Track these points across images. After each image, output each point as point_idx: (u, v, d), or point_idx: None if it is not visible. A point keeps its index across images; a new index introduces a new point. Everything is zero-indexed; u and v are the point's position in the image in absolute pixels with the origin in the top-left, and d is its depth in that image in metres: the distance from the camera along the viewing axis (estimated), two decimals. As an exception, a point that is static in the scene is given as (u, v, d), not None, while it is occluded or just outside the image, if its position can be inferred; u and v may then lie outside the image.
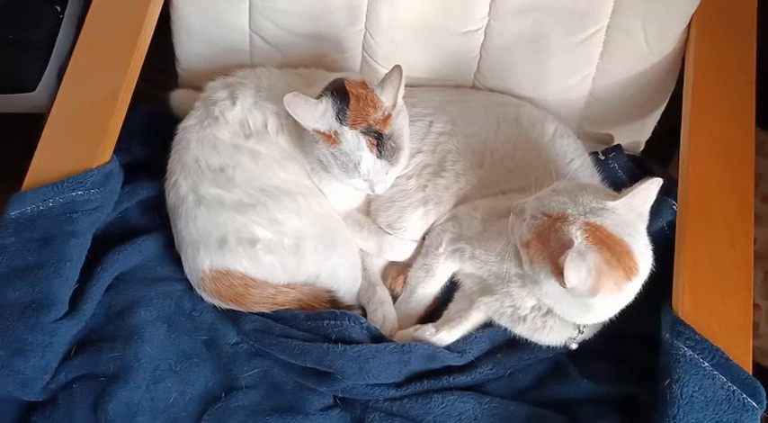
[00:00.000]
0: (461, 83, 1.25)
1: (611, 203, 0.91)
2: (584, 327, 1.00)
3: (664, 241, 1.01)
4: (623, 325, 1.01)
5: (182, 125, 1.14)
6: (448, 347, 1.04)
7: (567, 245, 0.87)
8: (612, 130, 1.26)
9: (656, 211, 1.07)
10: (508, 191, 1.08)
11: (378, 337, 1.05)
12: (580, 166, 1.11)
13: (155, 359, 1.00)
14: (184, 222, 1.08)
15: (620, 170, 1.19)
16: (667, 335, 0.93)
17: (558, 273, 0.86)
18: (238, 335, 1.07)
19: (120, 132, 1.18)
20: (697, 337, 0.90)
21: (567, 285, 0.85)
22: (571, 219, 0.89)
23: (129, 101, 1.10)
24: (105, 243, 1.08)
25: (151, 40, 1.14)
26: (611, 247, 0.89)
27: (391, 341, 1.04)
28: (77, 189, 1.01)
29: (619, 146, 1.21)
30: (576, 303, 0.92)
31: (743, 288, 0.96)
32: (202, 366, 1.03)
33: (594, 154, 1.19)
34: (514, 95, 1.21)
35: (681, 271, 0.97)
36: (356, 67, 1.25)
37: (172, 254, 1.11)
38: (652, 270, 0.94)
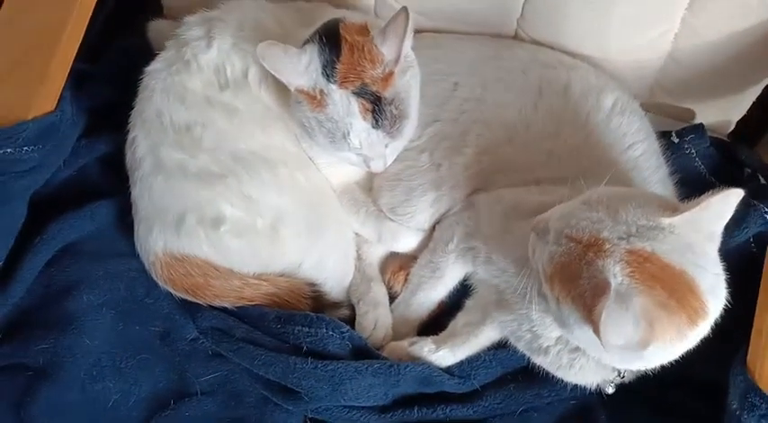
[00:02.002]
0: (500, 32, 1.03)
1: (667, 220, 0.68)
2: (626, 370, 0.79)
3: (747, 259, 0.86)
4: (678, 367, 0.78)
5: (147, 69, 0.96)
6: (449, 369, 0.89)
7: (602, 286, 0.63)
8: (695, 104, 1.04)
9: (739, 218, 0.88)
10: (543, 180, 0.88)
11: (361, 351, 0.89)
12: (642, 153, 0.90)
13: (94, 353, 0.89)
14: (139, 191, 0.92)
15: (699, 158, 0.98)
16: (735, 404, 0.74)
17: (593, 322, 0.63)
18: (196, 329, 0.92)
19: (92, 71, 1.07)
20: None
21: (606, 345, 0.62)
22: (608, 246, 0.66)
23: (81, 37, 0.92)
24: (53, 206, 0.95)
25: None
26: (667, 284, 0.66)
27: (377, 358, 0.88)
28: (6, 146, 0.85)
29: (700, 125, 1.00)
30: (620, 351, 0.69)
31: None
32: (152, 364, 0.90)
33: (666, 134, 0.98)
34: (569, 53, 0.99)
35: (765, 319, 0.74)
36: (369, 4, 1.05)
37: (130, 222, 0.96)
38: (727, 301, 0.72)
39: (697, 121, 1.03)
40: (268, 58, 0.83)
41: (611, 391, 0.82)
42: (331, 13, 0.93)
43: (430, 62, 0.94)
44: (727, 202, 0.68)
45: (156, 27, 1.08)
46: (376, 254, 0.99)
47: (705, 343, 0.79)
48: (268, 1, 0.99)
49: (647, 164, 0.89)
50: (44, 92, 0.88)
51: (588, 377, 0.82)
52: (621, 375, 0.80)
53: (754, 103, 1.04)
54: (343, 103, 0.84)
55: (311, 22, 0.91)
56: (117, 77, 1.05)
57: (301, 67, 0.84)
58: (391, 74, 0.83)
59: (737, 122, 1.08)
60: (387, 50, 0.83)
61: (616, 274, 0.65)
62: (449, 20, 1.02)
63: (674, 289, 0.66)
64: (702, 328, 0.70)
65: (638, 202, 0.69)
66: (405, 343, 0.91)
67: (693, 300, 0.67)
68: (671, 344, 0.68)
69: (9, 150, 0.85)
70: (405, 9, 0.81)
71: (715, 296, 0.69)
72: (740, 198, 0.68)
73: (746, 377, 0.73)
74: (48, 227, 0.92)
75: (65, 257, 0.93)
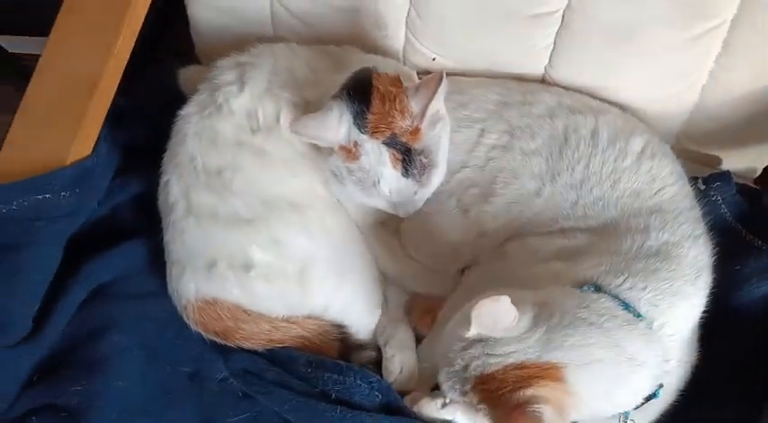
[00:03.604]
0: (528, 78, 1.03)
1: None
2: (628, 419, 0.79)
3: None
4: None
5: (180, 113, 0.97)
6: None
7: None
8: (721, 151, 1.04)
9: (766, 267, 0.88)
10: (568, 230, 0.86)
11: (390, 402, 0.88)
12: (673, 196, 0.87)
13: (125, 394, 0.89)
14: (171, 235, 0.93)
15: (725, 205, 0.96)
16: None
17: None
18: (227, 370, 0.92)
19: (127, 107, 1.06)
20: None
21: None
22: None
23: (117, 85, 0.94)
24: (87, 245, 0.95)
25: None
26: None
27: (404, 411, 0.86)
28: (44, 191, 0.87)
29: (727, 173, 0.98)
30: None
31: None
32: (181, 404, 0.91)
33: (693, 180, 0.95)
34: (596, 99, 0.98)
35: None
36: (398, 48, 1.06)
37: (162, 262, 0.96)
38: (752, 354, 0.75)
39: (723, 167, 1.02)
40: (301, 130, 0.85)
41: None
42: (361, 58, 0.94)
43: (457, 108, 0.94)
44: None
45: (187, 73, 1.09)
46: (402, 296, 0.98)
47: (735, 399, 0.79)
48: (299, 45, 1.00)
49: (679, 205, 0.86)
50: (80, 138, 0.90)
51: None
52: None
53: None
54: (375, 153, 0.84)
55: (342, 67, 0.93)
56: (148, 116, 1.06)
57: (333, 125, 0.85)
58: (418, 129, 0.84)
59: (764, 168, 1.06)
60: (416, 105, 0.83)
61: None
62: (477, 65, 1.02)
63: None
64: None
65: None
66: (427, 398, 0.87)
67: None
68: None
69: (48, 196, 0.86)
70: (441, 73, 0.82)
71: None
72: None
73: None
74: (81, 269, 0.93)
75: (97, 298, 0.93)
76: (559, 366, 0.70)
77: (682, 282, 0.78)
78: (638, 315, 0.75)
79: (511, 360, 0.71)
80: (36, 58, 0.91)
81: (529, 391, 0.69)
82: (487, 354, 0.71)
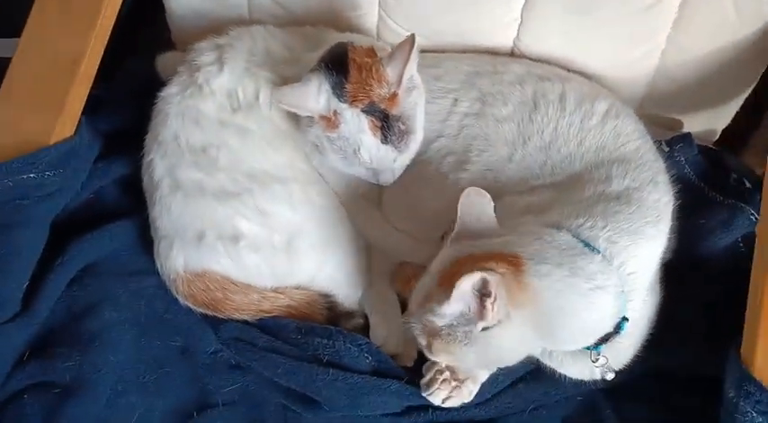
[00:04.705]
0: (498, 51, 1.06)
1: None
2: (599, 354, 0.82)
3: (737, 258, 0.89)
4: (678, 362, 0.86)
5: (161, 94, 0.99)
6: None
7: None
8: (682, 114, 1.08)
9: (727, 220, 0.92)
10: (537, 187, 0.90)
11: (380, 362, 0.91)
12: (636, 148, 0.90)
13: (118, 369, 0.90)
14: (158, 211, 0.94)
15: (688, 165, 1.00)
16: (732, 393, 0.76)
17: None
18: (217, 342, 0.94)
19: (106, 95, 1.08)
20: None
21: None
22: None
23: (98, 64, 0.95)
24: (73, 228, 0.97)
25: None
26: None
27: (395, 370, 0.89)
28: (29, 171, 0.88)
29: (688, 134, 1.02)
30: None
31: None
32: (174, 377, 0.92)
33: (657, 143, 0.98)
34: (563, 68, 1.02)
35: (756, 310, 0.78)
36: (371, 27, 1.08)
37: (148, 242, 0.98)
38: (718, 298, 0.78)
39: (685, 130, 1.06)
40: (283, 99, 0.87)
41: (610, 376, 0.82)
42: (336, 37, 0.96)
43: (431, 80, 0.96)
44: None
45: (164, 59, 1.10)
46: (386, 264, 1.00)
47: (703, 339, 0.83)
48: (275, 27, 1.02)
49: (642, 157, 0.89)
50: (63, 118, 0.90)
51: (573, 369, 0.84)
52: (594, 360, 0.81)
53: (737, 112, 1.07)
54: (354, 121, 0.87)
55: (318, 46, 0.95)
56: (127, 102, 1.07)
57: (313, 94, 0.87)
58: (395, 94, 0.87)
59: (722, 131, 1.11)
60: (391, 72, 0.86)
61: None
62: (449, 40, 1.04)
63: None
64: None
65: None
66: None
67: None
68: None
69: (32, 175, 0.87)
70: (412, 36, 0.85)
71: None
72: None
73: (741, 367, 0.75)
74: (68, 248, 0.93)
75: (85, 277, 0.94)
76: (521, 256, 0.75)
77: (642, 223, 0.81)
78: (597, 251, 0.78)
79: (478, 251, 0.76)
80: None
81: (488, 264, 0.72)
82: (457, 249, 0.77)
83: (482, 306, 0.72)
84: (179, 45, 1.16)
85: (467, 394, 0.87)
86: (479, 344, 0.75)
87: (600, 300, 0.76)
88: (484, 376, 0.89)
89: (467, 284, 0.71)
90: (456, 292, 0.71)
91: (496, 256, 0.75)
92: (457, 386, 0.87)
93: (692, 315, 0.88)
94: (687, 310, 0.87)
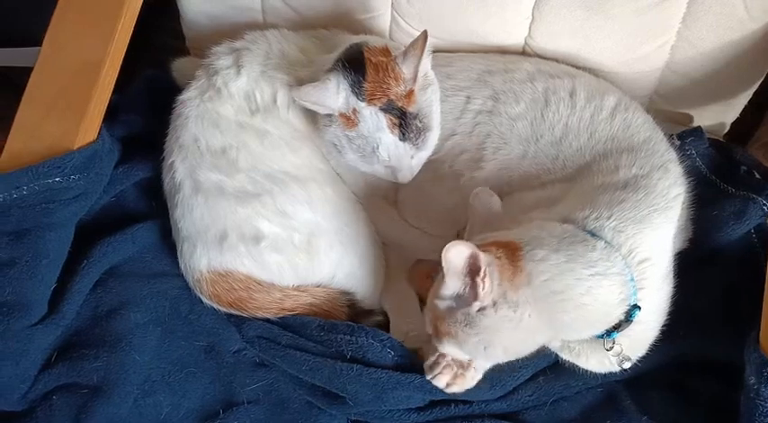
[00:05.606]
0: (510, 50, 1.08)
1: None
2: (614, 343, 0.82)
3: (750, 251, 0.90)
4: (696, 351, 0.86)
5: (180, 98, 1.01)
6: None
7: None
8: (692, 109, 1.09)
9: (740, 211, 0.93)
10: (548, 182, 0.91)
11: (403, 359, 0.91)
12: (645, 139, 0.91)
13: (144, 369, 0.91)
14: (180, 213, 0.96)
15: (699, 158, 1.01)
16: (753, 379, 0.77)
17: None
18: (241, 341, 0.96)
19: (121, 102, 1.09)
20: None
21: None
22: None
23: (118, 69, 0.96)
24: (95, 231, 0.98)
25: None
26: None
27: (417, 369, 0.89)
28: (55, 175, 0.89)
29: (699, 128, 1.03)
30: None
31: None
32: (199, 377, 0.93)
33: (668, 138, 0.99)
34: (573, 66, 1.04)
35: None
36: (384, 28, 1.09)
37: (170, 243, 0.99)
38: (734, 287, 0.78)
39: (695, 124, 1.07)
40: (303, 97, 0.89)
41: (627, 365, 0.83)
42: (350, 39, 0.98)
43: (443, 79, 0.98)
44: None
45: (179, 64, 1.12)
46: (403, 262, 1.02)
47: (720, 327, 0.84)
48: (289, 30, 1.03)
49: (652, 147, 0.89)
50: (86, 123, 0.91)
51: (592, 361, 0.85)
52: (609, 348, 0.81)
53: (745, 106, 1.09)
54: (372, 119, 0.89)
55: (332, 48, 0.97)
56: (145, 107, 1.09)
57: (332, 92, 0.89)
58: (412, 91, 0.89)
59: (731, 124, 1.12)
60: (406, 69, 0.88)
61: None
62: (461, 40, 1.06)
63: None
64: None
65: None
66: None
67: None
68: None
69: (58, 179, 0.88)
70: (424, 32, 0.87)
71: None
72: None
73: (761, 353, 0.76)
74: (92, 251, 0.94)
75: (110, 279, 0.95)
76: (517, 242, 0.77)
77: (648, 210, 0.81)
78: (602, 239, 0.78)
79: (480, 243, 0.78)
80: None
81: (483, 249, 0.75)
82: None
83: (474, 283, 0.74)
84: (193, 50, 1.19)
85: (470, 380, 0.87)
86: (479, 326, 0.76)
87: (601, 286, 0.76)
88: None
89: (452, 253, 0.73)
90: (444, 263, 0.74)
91: (494, 243, 0.77)
92: (461, 373, 0.87)
93: (709, 304, 0.89)
94: (703, 299, 0.88)
